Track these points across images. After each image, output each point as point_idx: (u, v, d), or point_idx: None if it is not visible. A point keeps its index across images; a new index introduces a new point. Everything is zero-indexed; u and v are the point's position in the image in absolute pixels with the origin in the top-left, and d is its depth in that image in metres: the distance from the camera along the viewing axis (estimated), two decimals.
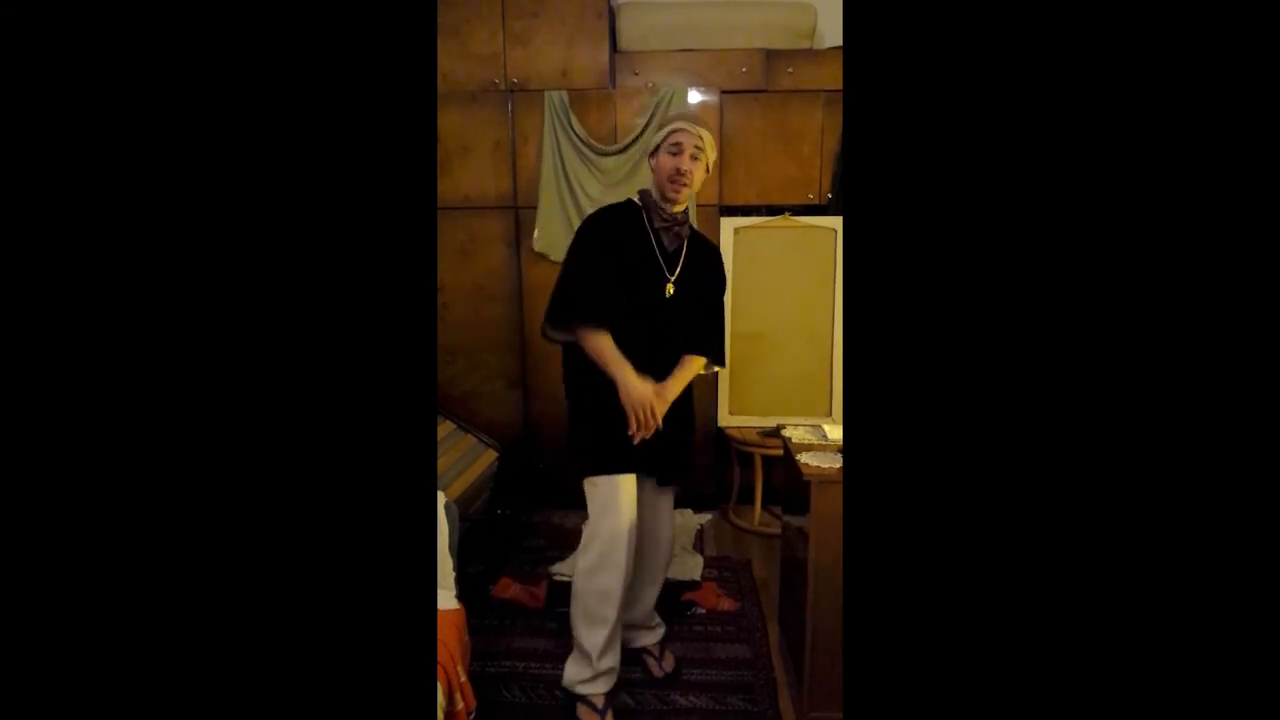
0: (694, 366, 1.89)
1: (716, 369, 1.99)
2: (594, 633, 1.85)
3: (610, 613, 1.84)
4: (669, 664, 2.09)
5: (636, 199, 1.88)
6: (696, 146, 1.76)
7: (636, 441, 1.78)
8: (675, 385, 1.85)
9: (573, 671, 1.91)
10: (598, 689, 1.88)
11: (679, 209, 1.84)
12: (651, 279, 1.82)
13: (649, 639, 2.10)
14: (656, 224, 1.83)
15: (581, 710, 1.88)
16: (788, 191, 3.04)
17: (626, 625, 1.99)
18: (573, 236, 1.85)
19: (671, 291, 1.83)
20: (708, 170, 1.82)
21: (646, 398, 1.75)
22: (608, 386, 1.78)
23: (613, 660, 1.88)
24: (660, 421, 1.79)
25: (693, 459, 1.97)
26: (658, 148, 1.80)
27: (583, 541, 1.89)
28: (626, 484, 1.83)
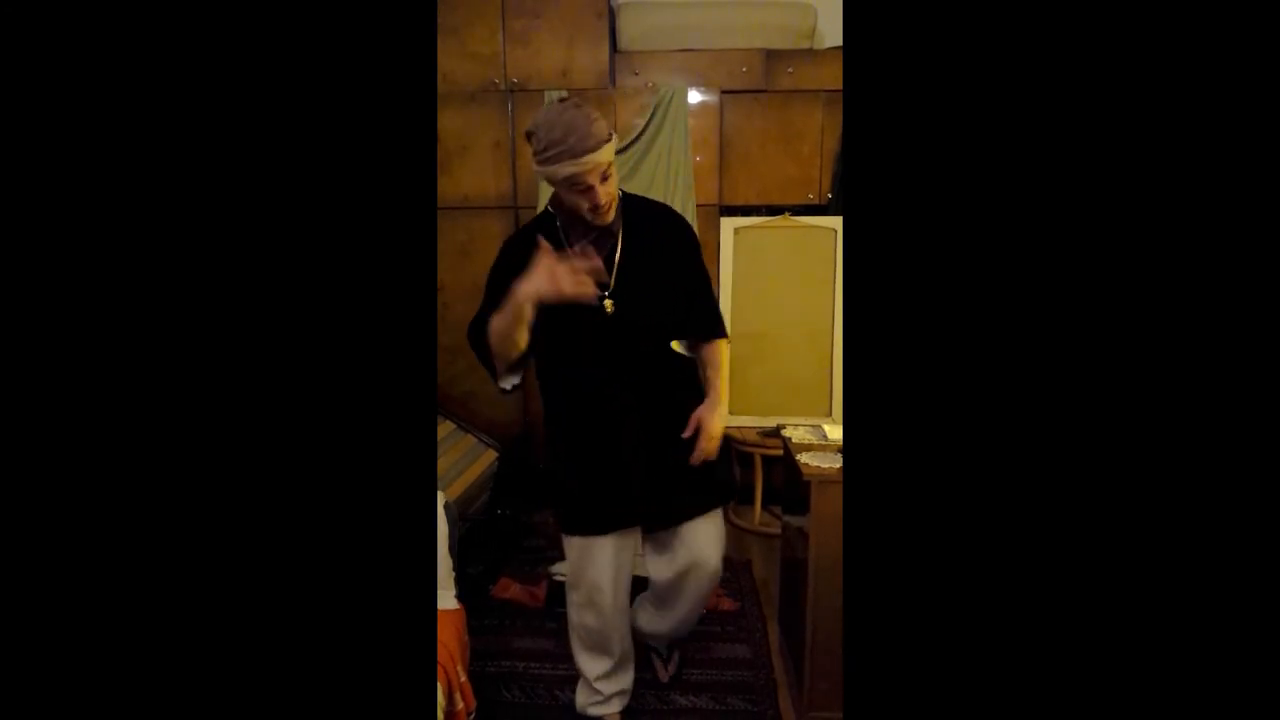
0: (722, 356, 1.64)
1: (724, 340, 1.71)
2: (595, 663, 1.79)
3: (605, 649, 1.76)
4: (673, 667, 2.06)
5: (550, 208, 1.58)
6: (604, 171, 1.43)
7: (591, 296, 1.41)
8: (723, 395, 1.61)
9: (583, 697, 1.85)
10: (611, 708, 1.84)
11: (611, 221, 1.52)
12: (583, 305, 1.43)
13: (659, 641, 2.04)
14: (576, 241, 1.55)
15: (582, 688, 1.86)
16: (788, 191, 3.04)
17: (647, 629, 1.91)
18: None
19: (611, 308, 1.53)
20: (615, 169, 1.49)
21: (562, 270, 1.37)
22: (577, 443, 1.61)
23: (621, 684, 1.82)
24: (715, 451, 1.59)
25: (725, 472, 1.74)
26: (560, 182, 1.45)
27: (567, 583, 1.76)
28: (600, 545, 1.65)
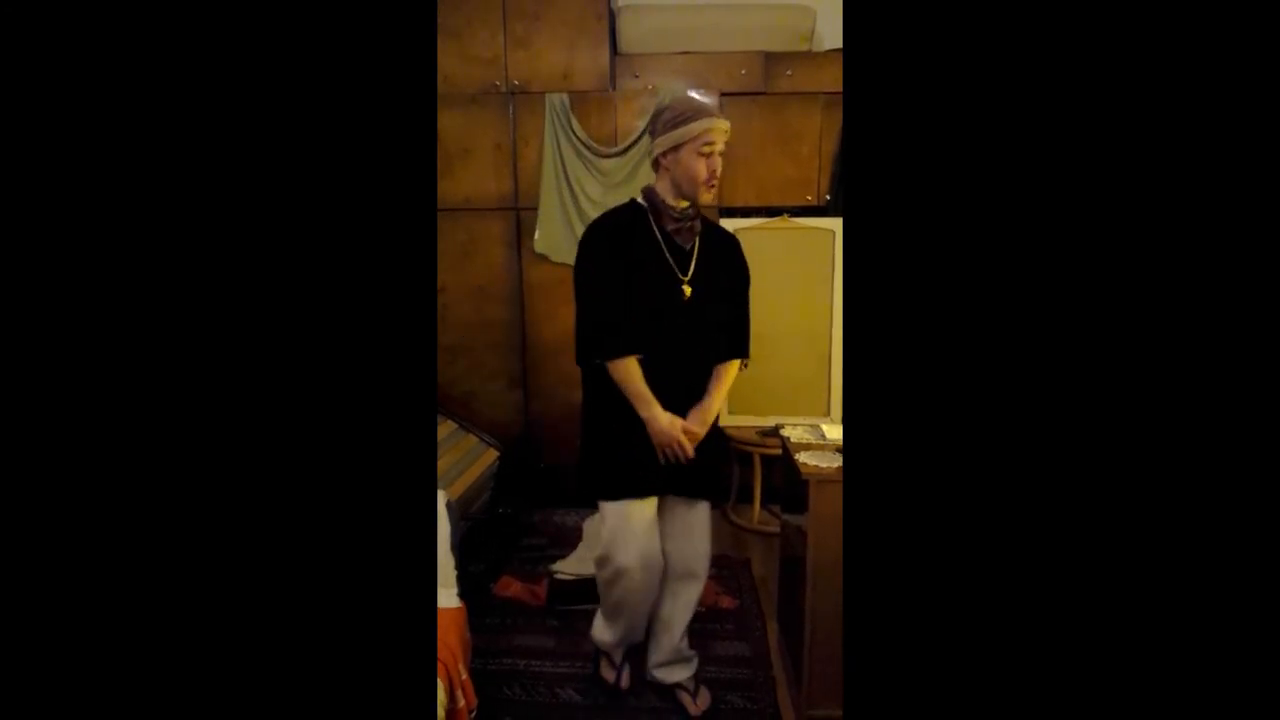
0: (730, 376, 1.79)
1: (745, 367, 1.87)
2: (613, 629, 1.95)
3: (625, 621, 1.91)
4: (704, 701, 1.92)
5: (641, 199, 1.74)
6: (724, 143, 1.63)
7: (684, 458, 1.69)
8: (715, 404, 1.76)
9: (599, 629, 2.00)
10: (617, 650, 2.01)
11: (705, 202, 1.71)
12: (666, 285, 1.68)
13: (682, 674, 1.94)
14: (667, 226, 1.69)
15: (602, 662, 2.04)
16: (786, 193, 3.05)
17: (656, 664, 1.95)
18: (578, 250, 1.74)
19: (689, 294, 1.70)
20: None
21: (673, 435, 1.67)
22: (625, 409, 1.71)
23: (629, 634, 1.95)
24: (691, 451, 1.71)
25: (723, 475, 1.89)
26: (679, 145, 1.61)
27: (597, 560, 1.86)
28: (636, 510, 1.76)
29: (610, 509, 1.78)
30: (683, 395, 1.74)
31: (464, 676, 1.64)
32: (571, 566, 2.66)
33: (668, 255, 1.71)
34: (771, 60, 2.98)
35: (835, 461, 1.81)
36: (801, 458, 1.85)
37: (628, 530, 1.75)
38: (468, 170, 3.04)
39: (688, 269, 1.71)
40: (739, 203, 3.06)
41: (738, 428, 3.08)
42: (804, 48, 3.07)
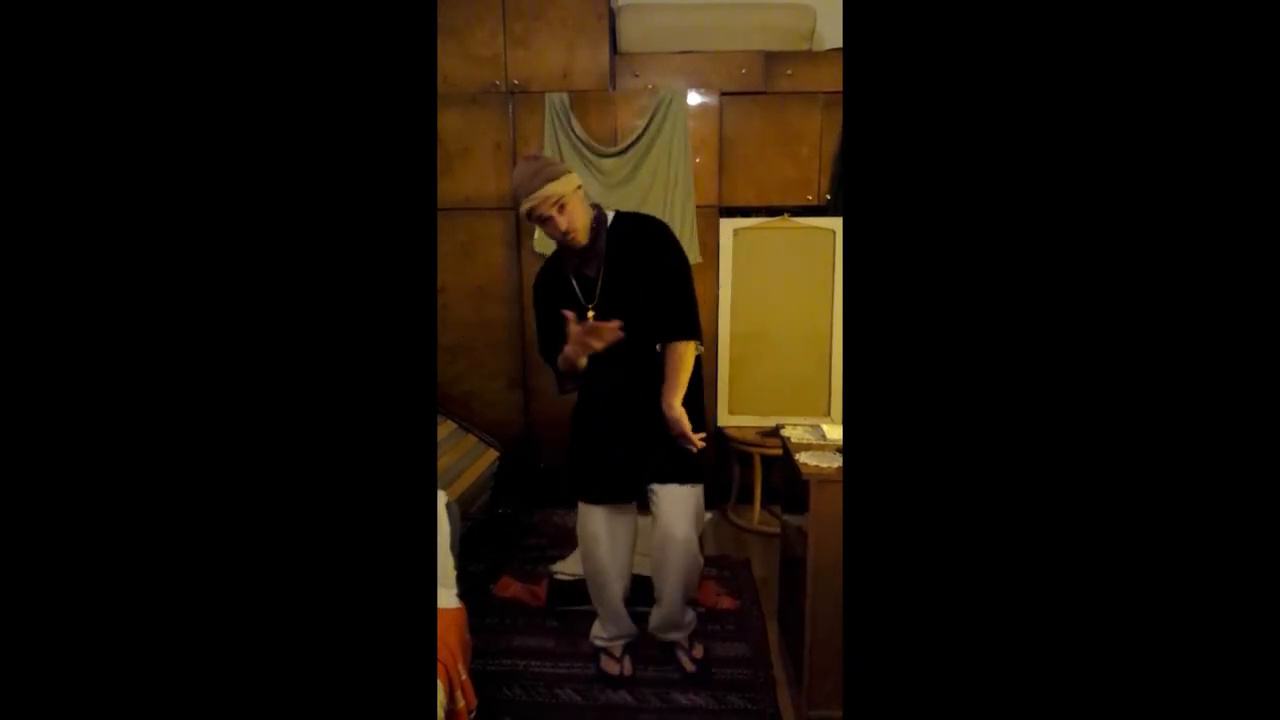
0: (682, 354, 1.86)
1: (700, 348, 1.91)
2: (604, 627, 2.12)
3: (598, 596, 2.08)
4: (698, 653, 2.13)
5: (557, 244, 1.89)
6: (557, 203, 1.76)
7: (598, 346, 1.77)
8: (678, 384, 1.84)
9: (595, 629, 2.16)
10: (615, 644, 2.12)
11: (584, 243, 1.83)
12: (567, 318, 1.79)
13: (676, 634, 2.11)
14: (573, 264, 1.89)
15: (603, 657, 2.14)
16: (787, 193, 3.04)
17: (656, 626, 2.12)
18: None
19: (592, 317, 1.83)
20: (583, 193, 1.82)
21: (576, 335, 1.77)
22: (579, 427, 1.99)
23: (618, 630, 2.10)
24: (697, 442, 1.87)
25: (695, 457, 1.93)
26: (529, 217, 1.81)
27: (580, 550, 2.09)
28: (595, 514, 2.00)
29: (580, 508, 2.03)
30: (618, 402, 1.91)
31: (464, 677, 1.64)
32: (571, 567, 2.65)
33: (576, 289, 1.90)
34: (772, 60, 2.97)
35: (836, 461, 1.81)
36: (802, 458, 1.84)
37: (589, 534, 2.01)
38: (467, 170, 3.03)
39: (594, 294, 1.88)
40: (739, 202, 3.06)
41: (738, 428, 3.08)
42: (804, 47, 3.07)
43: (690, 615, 2.12)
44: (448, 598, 1.74)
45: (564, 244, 1.83)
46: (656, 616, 2.09)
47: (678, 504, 1.93)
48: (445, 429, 2.86)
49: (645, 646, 2.21)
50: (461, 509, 2.19)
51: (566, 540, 2.91)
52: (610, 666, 2.11)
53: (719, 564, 2.75)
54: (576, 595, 2.47)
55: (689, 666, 2.09)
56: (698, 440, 1.87)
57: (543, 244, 3.02)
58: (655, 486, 1.95)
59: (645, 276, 1.85)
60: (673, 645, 2.13)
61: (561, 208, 1.76)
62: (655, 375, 1.87)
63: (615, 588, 2.05)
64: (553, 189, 1.75)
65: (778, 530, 2.72)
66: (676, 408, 1.84)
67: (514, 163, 3.03)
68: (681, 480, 1.94)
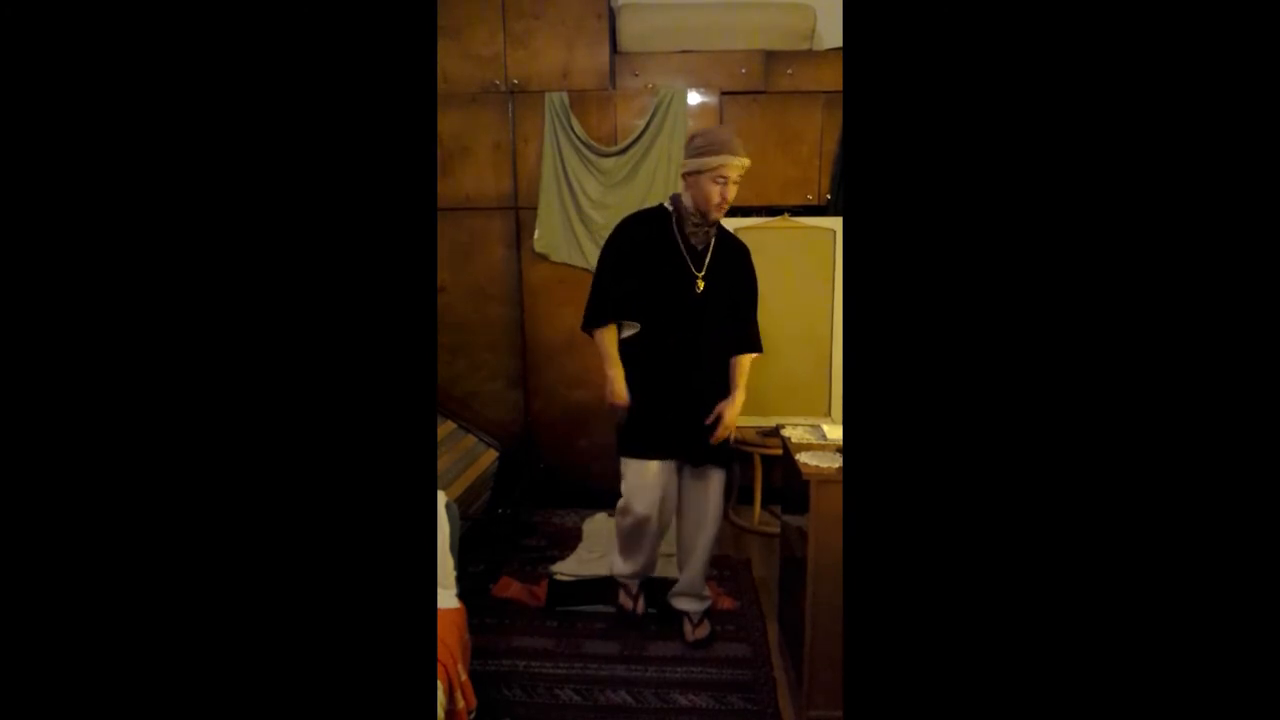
0: (747, 367, 2.15)
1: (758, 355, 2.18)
2: (630, 564, 2.27)
3: (634, 542, 2.22)
4: (701, 631, 2.24)
5: (668, 204, 2.08)
6: (740, 175, 1.96)
7: (618, 421, 2.10)
8: (741, 395, 2.12)
9: (617, 565, 2.31)
10: (633, 581, 2.31)
11: (714, 220, 2.04)
12: (681, 277, 2.04)
13: (692, 605, 2.28)
14: (686, 228, 2.05)
15: (620, 593, 2.33)
16: (787, 192, 3.04)
17: (675, 592, 2.30)
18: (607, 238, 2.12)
19: (702, 287, 2.05)
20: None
21: (617, 393, 2.07)
22: (647, 383, 2.09)
23: (638, 567, 2.27)
24: (729, 431, 2.12)
25: (729, 446, 2.22)
26: (700, 172, 1.94)
27: (619, 505, 2.20)
28: (651, 467, 2.12)
29: (630, 465, 2.14)
30: (694, 369, 2.08)
31: (463, 677, 1.64)
32: (571, 567, 2.65)
33: (684, 253, 2.05)
34: (772, 59, 2.97)
35: (836, 462, 1.80)
36: (802, 458, 1.84)
37: (642, 485, 2.12)
38: (467, 169, 3.03)
39: (702, 266, 2.06)
40: (739, 202, 3.02)
41: (738, 428, 3.07)
42: (805, 46, 3.06)
43: (708, 592, 2.31)
44: (447, 598, 1.73)
45: (707, 213, 1.99)
46: (682, 581, 2.28)
47: (715, 483, 2.20)
48: (445, 429, 2.86)
49: (645, 647, 2.21)
50: (461, 509, 2.19)
51: (566, 541, 2.91)
52: (626, 602, 2.31)
53: (719, 564, 2.74)
54: (576, 596, 2.47)
55: (690, 637, 2.23)
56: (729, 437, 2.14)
57: (543, 243, 3.02)
58: (700, 472, 2.17)
59: (737, 277, 2.12)
60: (683, 615, 2.28)
61: (737, 183, 1.96)
62: (720, 366, 2.12)
63: (654, 529, 2.18)
64: (745, 164, 1.96)
65: (778, 531, 2.72)
66: (734, 418, 2.12)
67: (514, 162, 3.03)
68: (720, 464, 2.20)
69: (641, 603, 2.33)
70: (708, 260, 2.06)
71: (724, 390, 2.12)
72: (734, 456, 2.28)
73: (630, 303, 2.05)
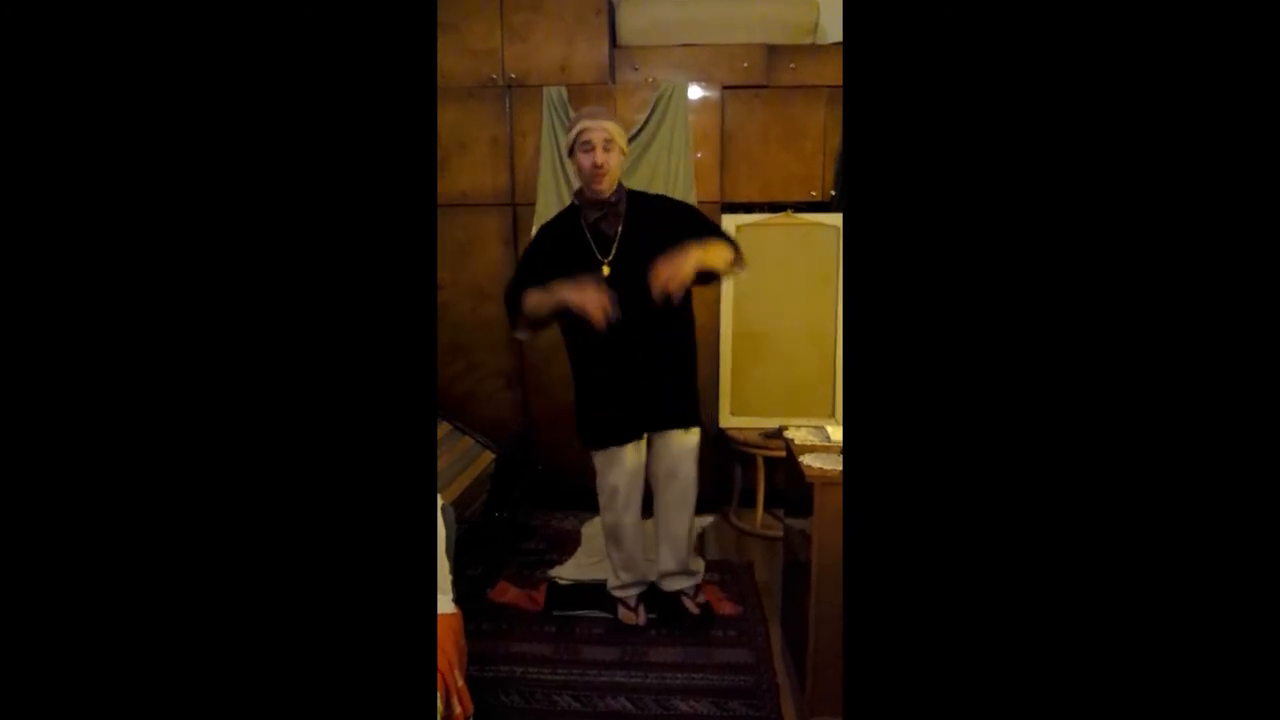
0: (712, 243, 1.96)
1: (736, 267, 2.04)
2: (612, 557, 2.31)
3: (616, 545, 2.26)
4: (700, 600, 2.33)
5: (574, 199, 2.11)
6: (606, 140, 1.94)
7: (600, 325, 1.88)
8: (689, 255, 1.88)
9: (611, 580, 2.35)
10: (630, 593, 2.31)
11: (608, 194, 2.00)
12: (586, 267, 2.00)
13: (684, 583, 2.32)
14: (591, 217, 2.05)
15: (620, 608, 2.33)
16: (790, 188, 3.00)
17: (663, 574, 2.32)
18: None
19: (608, 272, 2.01)
20: (623, 154, 2.02)
21: (592, 297, 1.89)
22: (594, 372, 2.10)
23: (632, 576, 2.30)
24: (678, 285, 1.89)
25: (695, 401, 2.20)
26: (572, 148, 1.99)
27: (598, 485, 2.25)
28: (616, 454, 2.15)
29: (597, 454, 2.21)
30: (624, 350, 2.04)
31: (460, 683, 1.60)
32: (570, 571, 2.62)
33: (590, 242, 2.06)
34: (774, 53, 2.93)
35: (840, 464, 1.77)
36: (805, 460, 1.81)
37: (612, 463, 2.18)
38: (464, 165, 2.99)
39: (610, 249, 2.04)
40: (741, 198, 3.02)
41: (740, 429, 3.04)
42: (807, 41, 3.02)
43: (699, 562, 2.38)
44: (444, 603, 1.70)
45: (589, 186, 2.00)
46: (668, 561, 2.28)
47: (681, 446, 2.17)
48: (441, 430, 2.82)
49: (645, 653, 2.17)
50: (458, 512, 2.15)
51: (565, 544, 2.88)
52: (627, 617, 2.29)
53: (720, 568, 2.71)
54: (575, 600, 2.44)
55: (694, 609, 2.28)
56: (673, 286, 1.88)
57: None
58: (657, 434, 2.17)
59: (663, 237, 1.95)
60: (679, 595, 2.31)
61: (606, 146, 1.94)
62: (657, 329, 2.04)
63: (632, 535, 2.24)
64: (610, 127, 1.96)
65: (780, 534, 2.68)
66: (679, 267, 1.86)
67: (511, 158, 2.99)
68: (683, 425, 2.16)
69: (642, 611, 2.32)
70: (618, 240, 2.03)
71: (670, 359, 2.10)
72: (697, 412, 2.18)
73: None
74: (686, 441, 2.18)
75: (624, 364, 2.06)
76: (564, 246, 2.06)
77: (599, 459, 2.20)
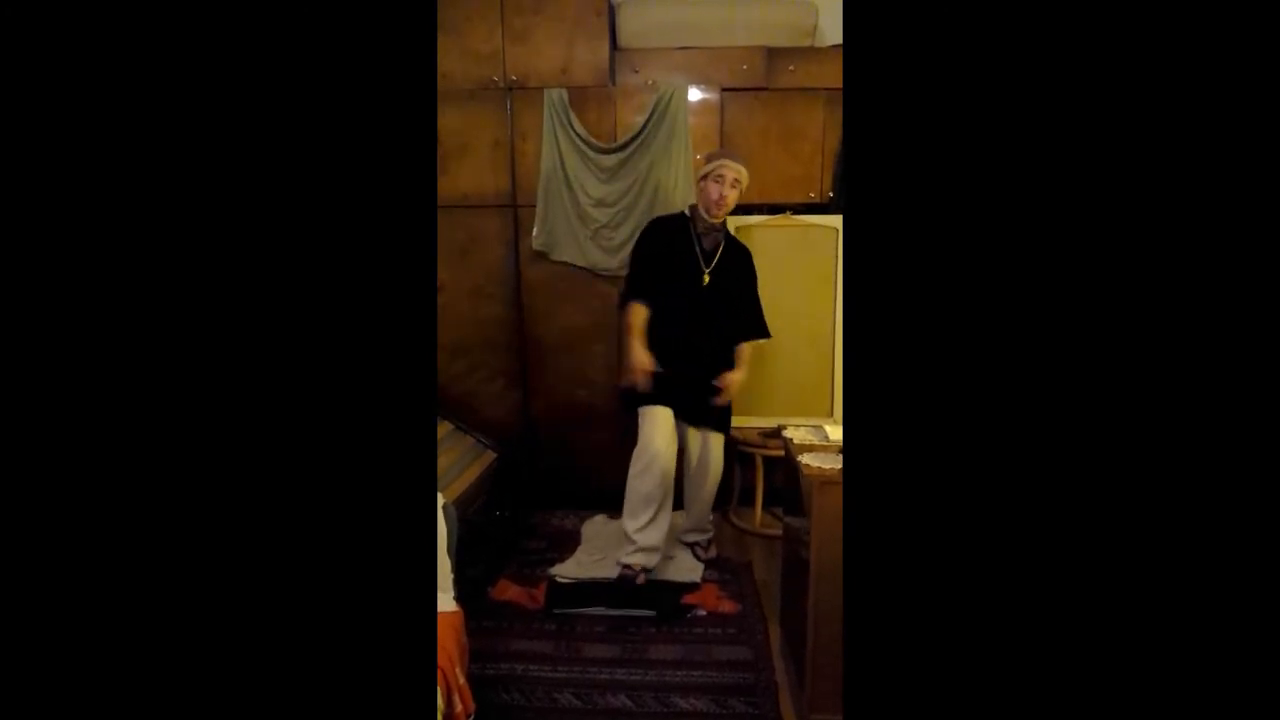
0: (749, 351, 2.61)
1: (764, 340, 2.64)
2: (634, 521, 2.49)
3: (648, 509, 2.48)
4: (712, 553, 2.78)
5: (687, 210, 2.54)
6: (734, 179, 2.40)
7: (641, 388, 2.47)
8: (743, 371, 2.57)
9: (627, 534, 2.53)
10: (635, 560, 2.48)
11: (718, 220, 2.47)
12: (692, 270, 2.49)
13: (698, 537, 2.79)
14: (699, 229, 2.50)
15: (622, 573, 2.48)
16: (789, 190, 3.02)
17: (683, 530, 2.77)
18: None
19: (708, 280, 2.49)
20: (741, 193, 2.45)
21: (641, 363, 2.44)
22: (661, 353, 2.46)
23: (651, 540, 2.49)
24: (726, 397, 2.56)
25: (726, 416, 2.65)
26: (705, 175, 2.42)
27: (634, 455, 2.52)
28: (665, 412, 2.51)
29: (645, 412, 2.52)
30: (700, 346, 2.52)
31: (461, 681, 1.61)
32: (570, 570, 2.63)
33: (697, 251, 2.50)
34: (774, 56, 2.94)
35: (838, 463, 1.78)
36: (804, 459, 1.82)
37: (655, 425, 2.49)
38: (465, 167, 3.00)
39: (710, 263, 2.51)
40: (740, 200, 3.02)
41: (739, 429, 3.05)
42: (807, 43, 3.04)
43: (709, 524, 2.79)
44: (445, 601, 1.71)
45: (708, 211, 2.44)
46: (688, 521, 2.77)
47: (718, 447, 2.67)
48: (442, 429, 2.83)
49: (645, 650, 2.18)
50: (459, 511, 2.16)
51: (565, 543, 2.89)
52: (630, 573, 2.47)
53: (721, 567, 2.72)
54: (576, 598, 2.44)
55: (704, 557, 2.72)
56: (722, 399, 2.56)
57: (541, 242, 3.00)
58: (700, 432, 2.63)
59: (740, 275, 2.58)
60: (692, 545, 2.77)
61: (734, 184, 2.41)
62: (722, 347, 2.56)
63: (665, 470, 2.48)
64: (742, 171, 2.42)
65: (780, 533, 2.70)
66: (736, 386, 2.56)
67: (512, 160, 3.01)
68: (719, 429, 2.66)
69: (644, 576, 2.49)
70: (716, 259, 2.51)
71: (727, 366, 2.55)
72: (729, 425, 2.69)
73: (652, 287, 2.47)
74: (720, 443, 2.67)
75: (692, 355, 2.51)
76: (676, 247, 2.49)
77: (645, 426, 2.51)
